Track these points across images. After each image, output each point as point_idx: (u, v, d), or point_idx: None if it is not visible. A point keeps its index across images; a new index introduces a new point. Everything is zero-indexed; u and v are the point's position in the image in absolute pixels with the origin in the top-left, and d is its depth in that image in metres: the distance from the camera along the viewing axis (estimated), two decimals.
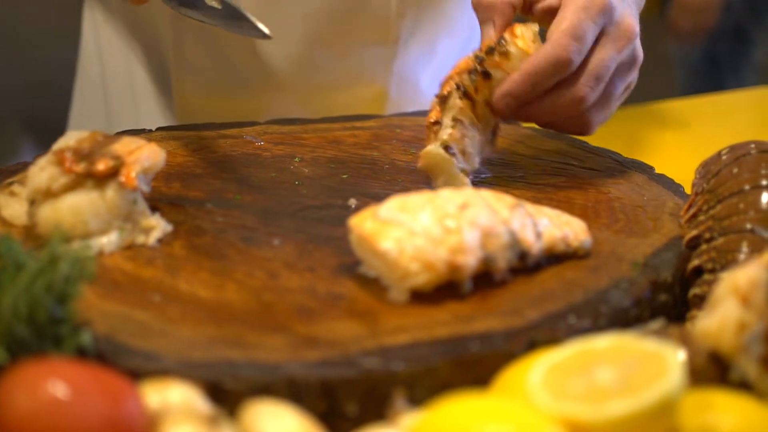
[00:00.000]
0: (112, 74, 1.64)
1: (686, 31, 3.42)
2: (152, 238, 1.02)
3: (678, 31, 3.46)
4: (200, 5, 1.13)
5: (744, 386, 0.79)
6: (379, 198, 1.06)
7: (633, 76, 1.20)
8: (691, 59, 3.59)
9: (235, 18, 1.11)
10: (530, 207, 0.99)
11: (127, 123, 1.57)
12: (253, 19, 1.10)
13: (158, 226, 1.02)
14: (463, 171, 1.11)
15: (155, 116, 1.56)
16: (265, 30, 1.09)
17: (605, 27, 1.15)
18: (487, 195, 0.96)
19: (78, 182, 0.98)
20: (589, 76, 1.14)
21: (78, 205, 0.98)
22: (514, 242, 0.94)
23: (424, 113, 1.33)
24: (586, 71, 1.14)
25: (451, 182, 1.10)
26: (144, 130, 1.28)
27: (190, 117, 1.49)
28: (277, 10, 1.42)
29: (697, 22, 3.38)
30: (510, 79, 1.13)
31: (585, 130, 1.19)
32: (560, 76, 1.12)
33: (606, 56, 1.14)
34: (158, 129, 1.29)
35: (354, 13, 1.45)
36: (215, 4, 1.12)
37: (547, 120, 1.17)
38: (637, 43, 1.19)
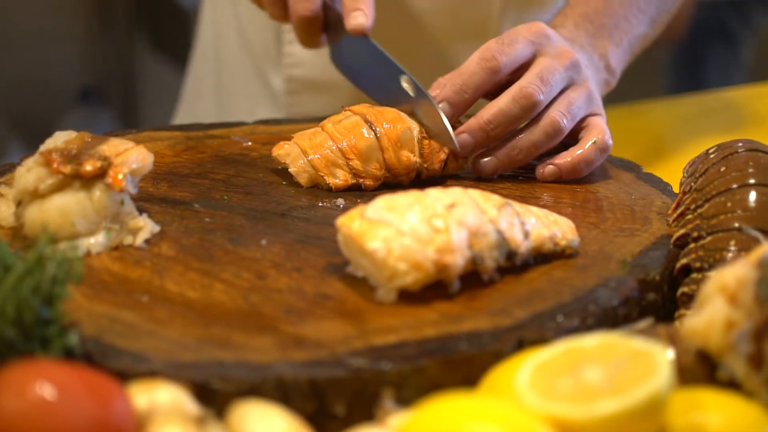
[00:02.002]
0: (225, 56, 1.70)
1: (658, 40, 3.44)
2: (140, 239, 1.02)
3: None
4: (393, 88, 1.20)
5: (732, 385, 0.79)
6: (366, 198, 1.07)
7: (592, 111, 1.20)
8: (678, 59, 3.59)
9: (432, 120, 1.17)
10: (518, 206, 0.99)
11: (239, 104, 1.65)
12: (452, 132, 1.16)
13: (146, 226, 1.02)
14: None
15: (261, 98, 1.63)
16: (457, 145, 1.16)
17: (541, 48, 1.18)
18: (474, 194, 0.96)
19: (65, 183, 0.98)
20: (533, 75, 1.15)
21: (65, 206, 0.98)
22: (502, 241, 0.94)
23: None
24: (529, 72, 1.16)
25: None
26: (131, 130, 1.28)
27: (297, 100, 1.57)
28: (383, 6, 1.45)
29: (667, 32, 3.39)
30: (442, 83, 1.17)
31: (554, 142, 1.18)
32: (486, 72, 1.15)
33: (546, 64, 1.16)
34: (145, 129, 1.29)
35: (457, 10, 1.50)
36: (409, 89, 1.19)
37: (497, 129, 1.15)
38: (594, 95, 1.20)
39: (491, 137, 1.16)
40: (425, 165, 1.15)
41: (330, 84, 1.54)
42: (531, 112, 1.15)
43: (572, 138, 1.19)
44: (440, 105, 1.16)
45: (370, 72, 1.24)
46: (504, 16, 1.51)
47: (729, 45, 3.47)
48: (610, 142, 1.19)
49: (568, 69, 1.17)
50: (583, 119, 1.19)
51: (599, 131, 1.18)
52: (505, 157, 1.16)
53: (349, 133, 1.15)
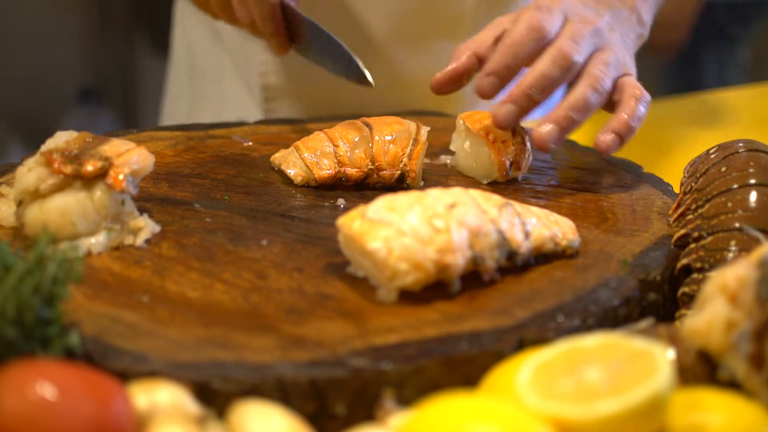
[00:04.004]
0: (200, 58, 1.71)
1: (660, 46, 3.43)
2: (140, 239, 1.02)
3: (652, 46, 3.47)
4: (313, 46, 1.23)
5: (733, 385, 0.79)
6: (367, 198, 1.07)
7: (621, 69, 1.20)
8: (677, 60, 3.59)
9: (343, 61, 1.20)
10: (519, 206, 0.99)
11: (212, 105, 1.67)
12: (362, 66, 1.18)
13: (146, 226, 1.02)
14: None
15: (239, 100, 1.64)
16: (370, 79, 1.18)
17: (568, 16, 1.19)
18: (475, 194, 0.96)
19: (66, 183, 0.98)
20: (566, 38, 1.16)
21: (66, 206, 0.98)
22: (503, 241, 0.94)
23: (417, 112, 1.34)
24: (561, 36, 1.16)
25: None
26: (131, 130, 1.28)
27: (274, 102, 1.58)
28: (360, 5, 1.47)
29: (669, 37, 3.39)
30: (491, 59, 1.16)
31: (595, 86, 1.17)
32: (536, 43, 1.15)
33: (575, 28, 1.17)
34: (146, 129, 1.29)
35: (432, 10, 1.51)
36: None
37: (541, 94, 1.15)
38: (620, 58, 1.20)
39: (535, 102, 1.15)
40: (409, 168, 1.15)
41: (304, 90, 1.55)
42: (570, 73, 1.15)
43: (610, 106, 1.19)
44: (487, 78, 1.15)
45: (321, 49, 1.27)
46: (478, 13, 1.52)
47: (727, 46, 3.47)
48: (647, 94, 1.18)
49: (592, 35, 1.18)
50: (614, 82, 1.18)
51: (632, 87, 1.17)
52: (564, 120, 1.14)
53: (345, 127, 1.18)
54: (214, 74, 1.68)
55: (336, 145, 1.15)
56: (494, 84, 1.16)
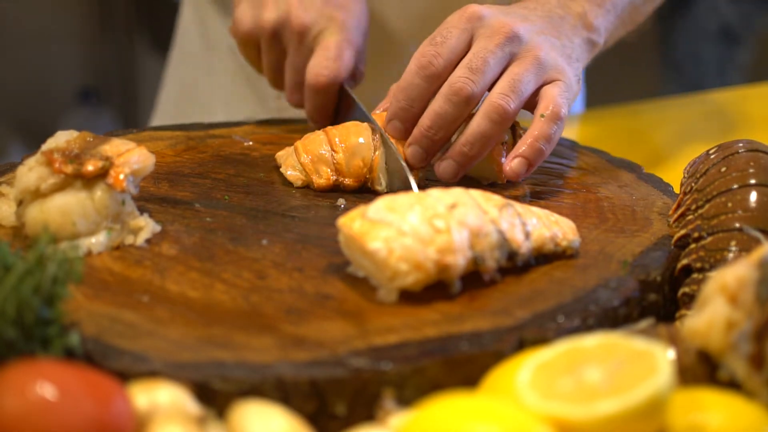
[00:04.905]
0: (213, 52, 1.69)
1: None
2: (141, 239, 1.02)
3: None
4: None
5: (733, 385, 0.79)
6: (367, 198, 1.07)
7: (547, 78, 1.15)
8: (678, 59, 3.59)
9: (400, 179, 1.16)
10: (519, 206, 0.99)
11: (219, 106, 1.65)
12: (413, 184, 1.13)
13: (147, 226, 1.02)
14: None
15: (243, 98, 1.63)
16: (415, 188, 1.12)
17: (476, 30, 1.14)
18: (476, 194, 0.96)
19: (67, 183, 0.98)
20: (463, 68, 1.12)
21: (66, 206, 0.98)
22: (503, 242, 0.94)
23: None
24: (459, 66, 1.13)
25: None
26: (131, 130, 1.28)
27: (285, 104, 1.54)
28: (381, 5, 1.46)
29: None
30: (390, 104, 1.14)
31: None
32: (427, 81, 1.12)
33: (477, 49, 1.13)
34: (146, 129, 1.29)
35: (453, 7, 1.47)
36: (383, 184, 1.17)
37: (439, 132, 1.13)
38: (546, 61, 1.15)
39: (437, 142, 1.13)
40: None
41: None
42: (468, 106, 1.12)
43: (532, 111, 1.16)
44: (390, 123, 1.14)
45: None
46: None
47: (729, 45, 3.47)
48: (563, 109, 1.13)
49: (504, 45, 1.13)
50: (537, 91, 1.14)
51: (548, 101, 1.13)
52: (459, 156, 1.12)
53: (347, 129, 1.16)
54: (227, 72, 1.67)
55: (335, 151, 1.15)
56: (396, 128, 1.14)
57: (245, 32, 1.29)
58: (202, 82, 1.72)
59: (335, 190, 1.15)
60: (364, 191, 1.15)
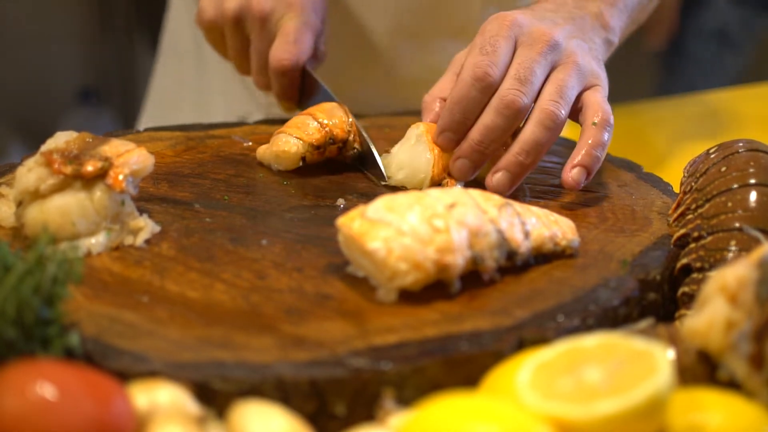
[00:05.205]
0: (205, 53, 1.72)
1: (651, 33, 3.43)
2: (140, 239, 1.02)
3: (645, 35, 3.48)
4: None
5: (732, 385, 0.79)
6: (367, 198, 1.07)
7: (591, 83, 1.17)
8: (677, 60, 3.60)
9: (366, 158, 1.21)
10: (518, 206, 0.99)
11: (219, 104, 1.68)
12: (381, 165, 1.18)
13: (146, 226, 1.02)
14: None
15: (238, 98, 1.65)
16: (385, 178, 1.17)
17: (518, 38, 1.15)
18: (475, 194, 0.96)
19: (66, 183, 0.98)
20: (511, 79, 1.12)
21: (66, 206, 0.98)
22: (503, 241, 0.94)
23: (411, 112, 1.34)
24: (507, 77, 1.13)
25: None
26: (131, 130, 1.28)
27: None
28: (362, 3, 1.48)
29: (659, 24, 3.39)
30: (441, 116, 1.14)
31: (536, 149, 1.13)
32: (483, 93, 1.12)
33: (522, 59, 1.13)
34: (146, 129, 1.29)
35: (436, 9, 1.50)
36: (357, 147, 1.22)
37: (491, 146, 1.13)
38: (585, 67, 1.16)
39: (487, 155, 1.13)
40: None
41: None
42: (518, 119, 1.12)
43: (574, 118, 1.17)
44: (442, 135, 1.14)
45: None
46: (485, 13, 1.50)
47: (728, 46, 3.47)
48: (611, 116, 1.15)
49: (546, 54, 1.14)
50: (578, 97, 1.15)
51: (596, 108, 1.14)
52: (515, 166, 1.11)
53: (326, 108, 1.23)
54: (219, 67, 1.68)
55: (316, 118, 1.20)
56: (450, 139, 1.14)
57: (209, 20, 1.34)
58: (193, 78, 1.72)
59: (330, 163, 1.19)
60: (365, 193, 1.15)
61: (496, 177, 1.12)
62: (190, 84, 1.73)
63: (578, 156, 1.12)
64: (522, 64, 1.13)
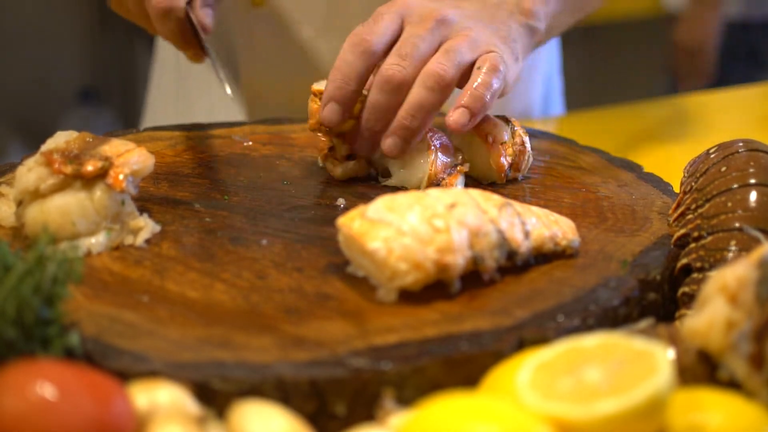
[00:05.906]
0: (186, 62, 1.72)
1: (688, 73, 3.44)
2: (140, 239, 1.02)
3: (681, 75, 3.49)
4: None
5: (733, 385, 0.79)
6: (367, 197, 1.07)
7: (480, 58, 1.14)
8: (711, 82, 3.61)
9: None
10: (518, 206, 0.99)
11: (201, 107, 1.66)
12: (224, 81, 1.20)
13: (146, 226, 1.02)
14: None
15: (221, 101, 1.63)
16: (228, 91, 1.20)
17: (405, 17, 1.14)
18: (475, 194, 0.96)
19: (66, 183, 0.98)
20: (392, 56, 1.11)
21: (66, 206, 0.98)
22: (503, 241, 0.94)
23: None
24: (390, 54, 1.12)
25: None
26: (131, 130, 1.28)
27: (258, 99, 1.57)
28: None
29: (696, 63, 3.40)
30: (326, 87, 1.14)
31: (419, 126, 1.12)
32: (361, 58, 1.11)
33: (406, 35, 1.12)
34: (146, 129, 1.29)
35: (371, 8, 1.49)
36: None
37: (377, 124, 1.12)
38: (479, 41, 1.14)
39: (378, 131, 1.12)
40: None
41: (283, 87, 1.55)
42: (401, 93, 1.11)
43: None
44: (326, 107, 1.13)
45: None
46: None
47: (756, 66, 3.48)
48: (500, 64, 1.12)
49: (434, 30, 1.13)
50: (473, 61, 1.13)
51: (485, 58, 1.12)
52: (401, 130, 1.11)
53: None
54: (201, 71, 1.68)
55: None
56: (333, 110, 1.13)
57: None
58: (193, 77, 1.72)
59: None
60: (365, 193, 1.15)
61: (386, 143, 1.12)
62: (190, 84, 1.73)
63: (463, 98, 1.11)
64: (406, 40, 1.12)
